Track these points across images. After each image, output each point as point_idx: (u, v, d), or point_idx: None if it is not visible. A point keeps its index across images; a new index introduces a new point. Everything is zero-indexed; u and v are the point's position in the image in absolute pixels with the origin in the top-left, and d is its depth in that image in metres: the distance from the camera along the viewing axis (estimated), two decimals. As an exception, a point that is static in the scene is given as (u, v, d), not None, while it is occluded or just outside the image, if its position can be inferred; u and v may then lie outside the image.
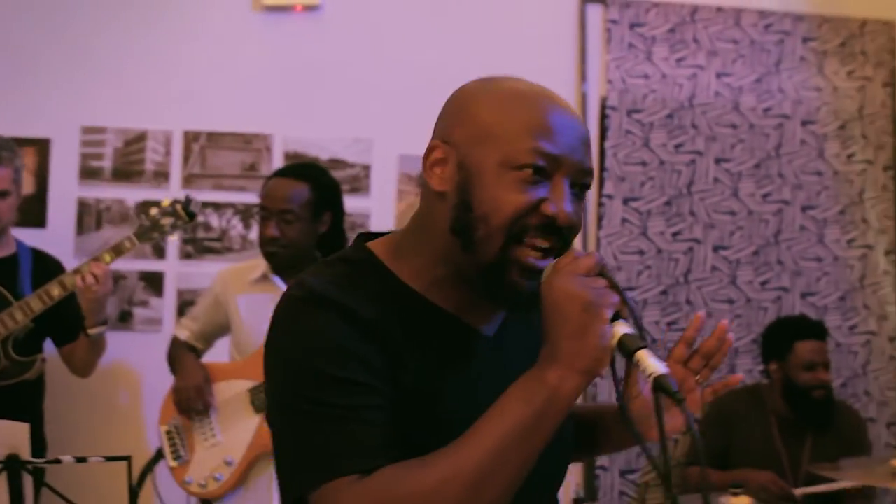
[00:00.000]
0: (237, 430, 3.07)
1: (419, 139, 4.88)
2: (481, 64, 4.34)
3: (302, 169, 3.25)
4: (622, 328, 1.22)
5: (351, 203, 4.25)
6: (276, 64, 4.23)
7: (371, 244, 1.40)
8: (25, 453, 2.45)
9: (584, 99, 4.38)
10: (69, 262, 3.52)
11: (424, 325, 1.31)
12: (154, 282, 4.11)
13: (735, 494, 3.25)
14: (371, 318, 1.25)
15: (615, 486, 4.35)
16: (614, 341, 1.22)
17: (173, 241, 3.73)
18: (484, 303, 1.35)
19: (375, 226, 4.26)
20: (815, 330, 3.83)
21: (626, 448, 1.58)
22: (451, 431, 1.22)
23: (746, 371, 4.32)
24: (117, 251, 3.15)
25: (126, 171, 4.12)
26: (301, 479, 1.22)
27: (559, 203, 1.27)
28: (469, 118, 1.32)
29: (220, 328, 3.26)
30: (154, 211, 3.16)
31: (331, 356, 1.22)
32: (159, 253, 4.11)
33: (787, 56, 4.56)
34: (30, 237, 3.52)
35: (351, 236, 4.21)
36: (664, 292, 4.40)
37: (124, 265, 3.90)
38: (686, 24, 4.48)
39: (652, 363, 1.19)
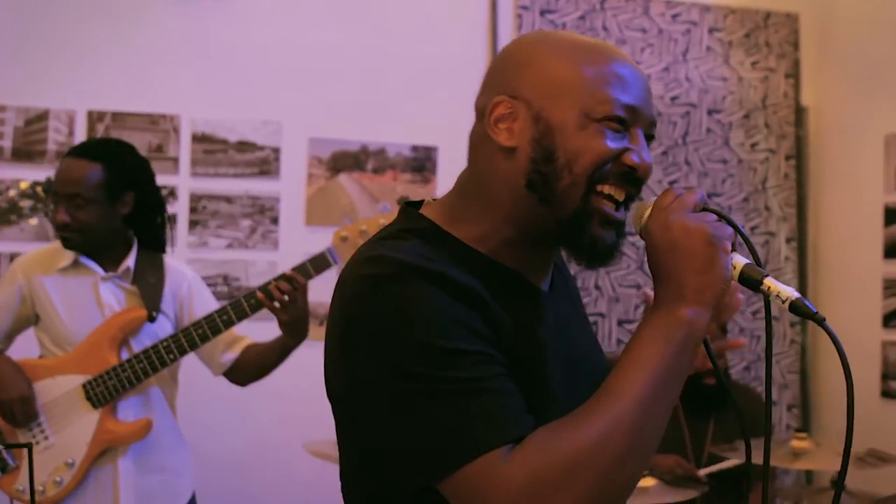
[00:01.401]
0: (73, 429, 2.87)
1: (329, 122, 4.85)
2: (392, 48, 4.38)
3: (96, 148, 2.98)
4: (740, 258, 1.24)
5: (260, 186, 4.22)
6: (184, 43, 4.15)
7: (425, 213, 1.35)
8: None
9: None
10: (-34, 243, 3.41)
11: (501, 286, 1.27)
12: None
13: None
14: (465, 283, 1.20)
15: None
16: (736, 272, 1.23)
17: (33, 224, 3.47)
18: (542, 261, 1.36)
19: (285, 209, 4.23)
20: None
21: None
22: (550, 389, 1.23)
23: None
24: None
25: (27, 151, 3.99)
26: (434, 464, 1.13)
27: (641, 154, 1.28)
28: (539, 71, 1.29)
29: (25, 322, 2.99)
30: (12, 193, 3.01)
31: (443, 329, 1.15)
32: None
33: (693, 46, 4.64)
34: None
35: (260, 219, 4.20)
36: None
37: (25, 248, 3.79)
38: (596, 12, 4.53)
39: (783, 288, 1.21)
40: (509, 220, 1.31)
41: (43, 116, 4.02)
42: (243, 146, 4.17)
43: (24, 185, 2.95)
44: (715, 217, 1.24)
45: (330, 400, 1.30)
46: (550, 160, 1.26)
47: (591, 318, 4.41)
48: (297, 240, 4.20)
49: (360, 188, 4.28)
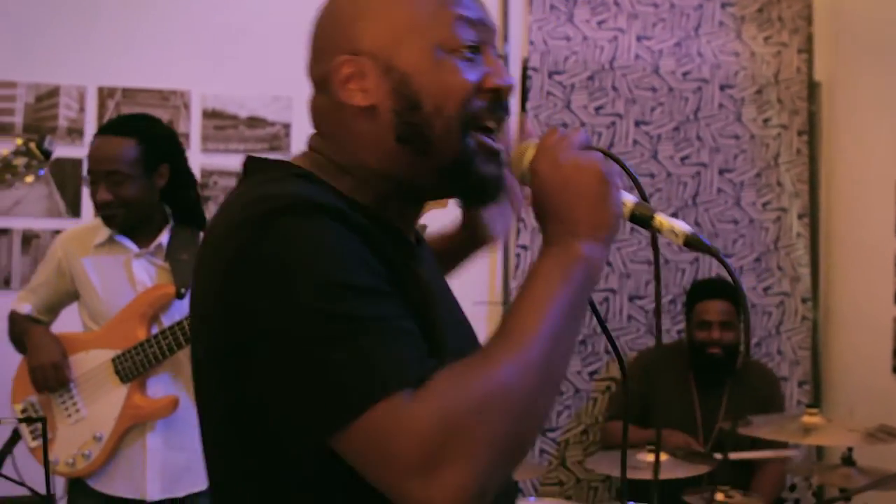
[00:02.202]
0: (103, 402, 2.90)
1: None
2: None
3: (126, 124, 3.01)
4: (629, 196, 1.22)
5: (271, 162, 4.21)
6: (194, 19, 4.15)
7: (296, 163, 1.26)
8: None
9: (505, 60, 4.37)
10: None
11: (383, 236, 1.18)
12: (68, 241, 4.01)
13: (652, 451, 3.32)
14: (361, 221, 1.12)
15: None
16: (626, 210, 1.22)
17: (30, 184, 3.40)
18: (415, 214, 1.33)
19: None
20: (714, 290, 3.95)
21: (467, 256, 1.64)
22: (442, 337, 1.18)
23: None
24: None
25: (38, 127, 4.00)
26: (335, 409, 1.03)
27: (501, 74, 1.24)
28: (374, 20, 1.23)
29: (66, 296, 3.05)
30: (6, 152, 2.98)
31: (344, 264, 1.06)
32: (74, 211, 4.02)
33: (706, 20, 4.61)
34: (-64, 193, 3.40)
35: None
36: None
37: (38, 224, 3.81)
38: (607, -14, 4.50)
39: (676, 223, 1.20)
40: (385, 176, 1.24)
41: (53, 93, 4.03)
42: (254, 122, 4.17)
43: (19, 142, 2.91)
44: (602, 155, 1.22)
45: (195, 360, 1.23)
46: (416, 108, 1.20)
47: (602, 294, 4.41)
48: (308, 216, 4.20)
49: (370, 164, 4.27)
